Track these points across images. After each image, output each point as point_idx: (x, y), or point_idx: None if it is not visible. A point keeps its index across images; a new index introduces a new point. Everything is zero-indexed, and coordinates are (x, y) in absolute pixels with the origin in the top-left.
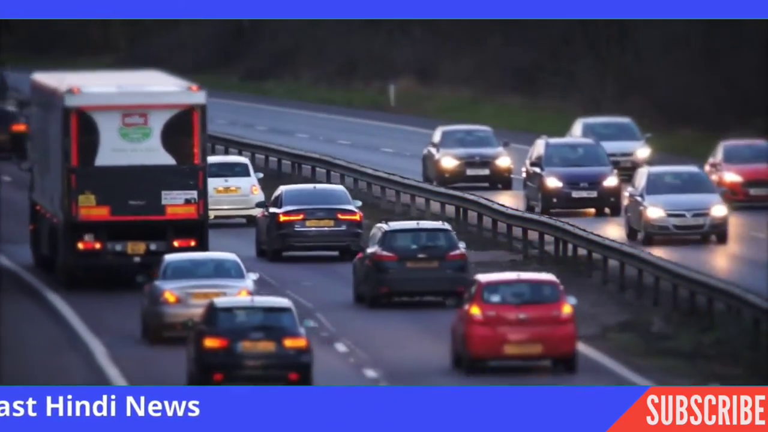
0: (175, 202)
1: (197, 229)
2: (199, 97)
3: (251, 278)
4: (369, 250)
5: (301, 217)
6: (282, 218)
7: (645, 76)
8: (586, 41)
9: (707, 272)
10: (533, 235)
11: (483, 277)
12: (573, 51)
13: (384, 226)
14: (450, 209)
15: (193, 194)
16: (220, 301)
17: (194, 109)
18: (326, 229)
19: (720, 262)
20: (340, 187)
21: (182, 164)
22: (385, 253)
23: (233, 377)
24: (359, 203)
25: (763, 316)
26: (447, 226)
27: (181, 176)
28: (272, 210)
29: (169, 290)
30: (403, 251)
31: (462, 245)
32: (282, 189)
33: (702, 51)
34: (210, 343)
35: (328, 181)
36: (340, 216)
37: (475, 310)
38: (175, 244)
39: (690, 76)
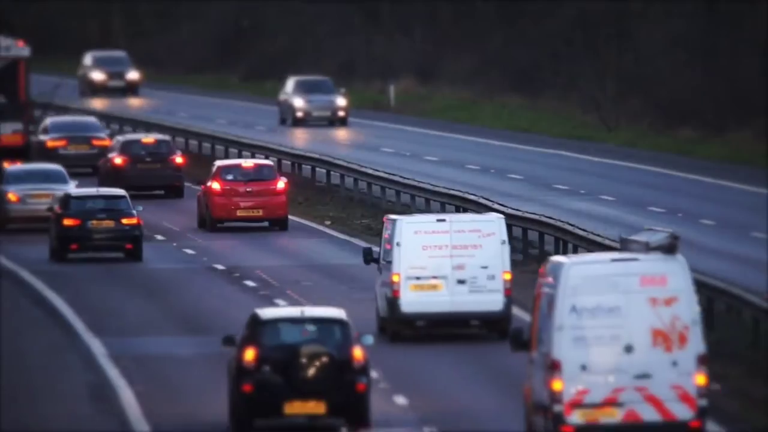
0: (5, 131)
1: (23, 153)
2: (24, 51)
3: (73, 184)
4: None
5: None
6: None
7: (645, 76)
8: (586, 41)
9: (707, 272)
10: (533, 235)
11: (220, 162)
12: (573, 51)
13: None
14: (450, 209)
15: (19, 126)
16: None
17: (20, 60)
18: None
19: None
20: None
21: (11, 103)
22: None
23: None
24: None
25: (763, 316)
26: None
27: (10, 112)
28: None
29: (12, 192)
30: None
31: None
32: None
33: (702, 51)
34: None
35: (328, 181)
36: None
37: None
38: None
39: (690, 76)
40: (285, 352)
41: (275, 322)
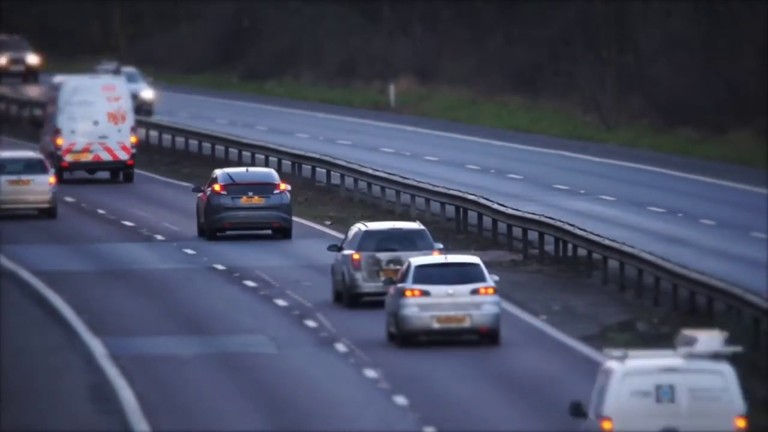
0: None
1: None
2: None
3: None
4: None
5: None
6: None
7: (645, 76)
8: (586, 41)
9: (707, 272)
10: (533, 235)
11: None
12: (573, 51)
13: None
14: (450, 209)
15: None
16: None
17: None
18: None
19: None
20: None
21: None
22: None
23: None
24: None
25: (763, 316)
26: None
27: None
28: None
29: None
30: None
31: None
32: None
33: (702, 51)
34: None
35: (328, 181)
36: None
37: None
38: None
39: (690, 76)
40: None
41: None
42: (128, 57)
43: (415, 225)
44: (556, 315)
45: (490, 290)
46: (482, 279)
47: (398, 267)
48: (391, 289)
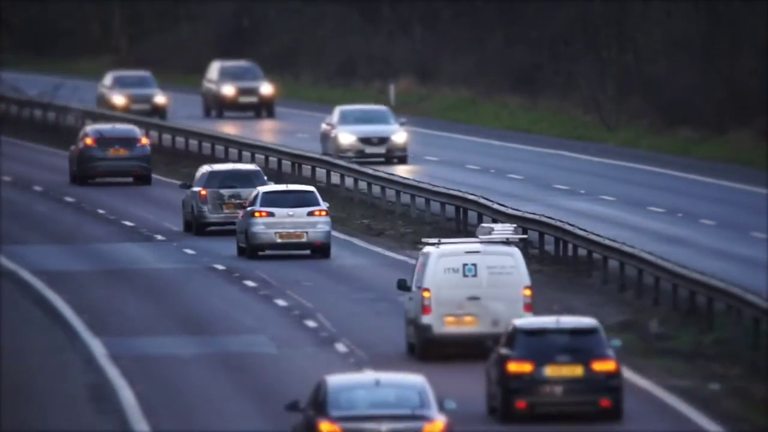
0: None
1: None
2: None
3: None
4: None
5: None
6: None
7: (645, 76)
8: (586, 41)
9: (707, 272)
10: (533, 235)
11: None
12: (573, 51)
13: None
14: (450, 209)
15: None
16: None
17: None
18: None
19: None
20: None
21: None
22: None
23: None
24: None
25: (763, 316)
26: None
27: None
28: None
29: None
30: None
31: None
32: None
33: (702, 51)
34: None
35: (329, 182)
36: None
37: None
38: None
39: (690, 76)
40: None
41: None
42: (128, 57)
43: (251, 166)
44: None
45: (323, 212)
46: (317, 204)
47: (238, 201)
48: (241, 213)
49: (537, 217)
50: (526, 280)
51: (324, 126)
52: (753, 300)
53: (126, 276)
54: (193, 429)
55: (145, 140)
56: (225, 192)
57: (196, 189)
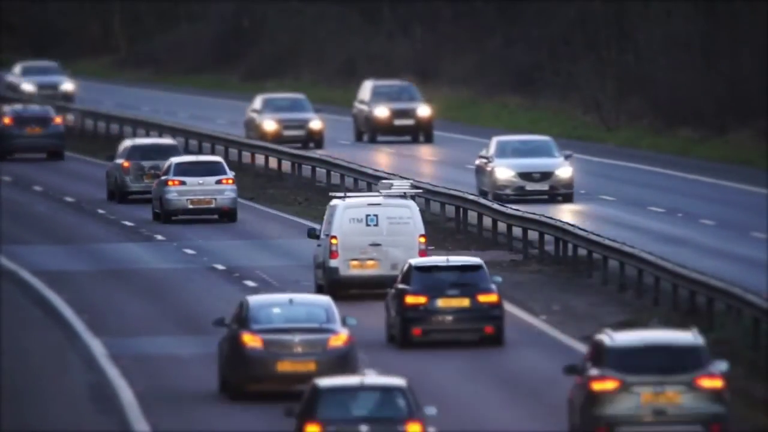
0: None
1: None
2: None
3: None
4: None
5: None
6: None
7: (645, 76)
8: (586, 41)
9: (707, 272)
10: (533, 235)
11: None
12: (573, 51)
13: None
14: (450, 209)
15: None
16: None
17: None
18: None
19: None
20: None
21: None
22: None
23: None
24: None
25: (763, 316)
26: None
27: None
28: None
29: None
30: None
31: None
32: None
33: (702, 51)
34: None
35: (329, 182)
36: None
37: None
38: None
39: (690, 76)
40: None
41: None
42: (128, 57)
43: (170, 141)
44: (556, 315)
45: (230, 181)
46: (225, 173)
47: (158, 172)
48: (156, 182)
49: (537, 217)
50: (421, 229)
51: (478, 160)
52: (753, 300)
53: (126, 276)
54: (193, 429)
55: (59, 119)
56: (145, 164)
57: (119, 161)
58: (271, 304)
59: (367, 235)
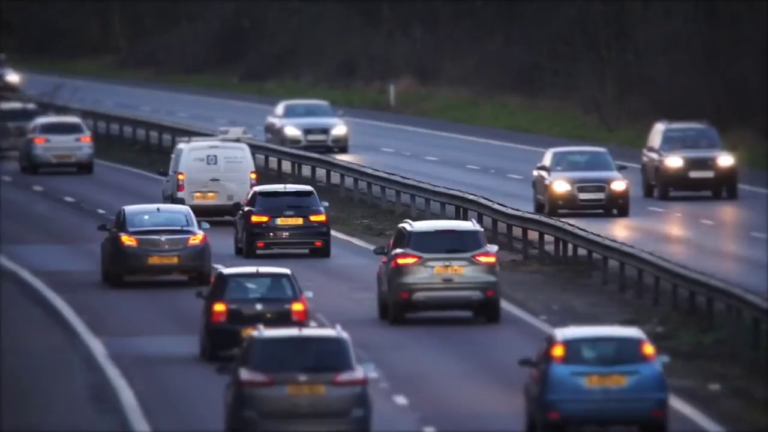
0: None
1: None
2: None
3: None
4: None
5: None
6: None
7: (645, 76)
8: (586, 41)
9: (707, 272)
10: (533, 235)
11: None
12: (573, 51)
13: None
14: (450, 209)
15: None
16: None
17: None
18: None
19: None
20: None
21: None
22: None
23: None
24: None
25: (763, 316)
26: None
27: None
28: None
29: None
30: None
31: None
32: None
33: (702, 51)
34: None
35: (328, 181)
36: None
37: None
38: None
39: (690, 76)
40: None
41: None
42: (128, 57)
43: (31, 105)
44: (556, 315)
45: (88, 138)
46: (82, 131)
47: (22, 132)
48: (23, 140)
49: (537, 217)
50: (252, 167)
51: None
52: (753, 300)
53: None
54: (193, 429)
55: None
56: (11, 125)
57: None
58: (143, 212)
59: (207, 172)
